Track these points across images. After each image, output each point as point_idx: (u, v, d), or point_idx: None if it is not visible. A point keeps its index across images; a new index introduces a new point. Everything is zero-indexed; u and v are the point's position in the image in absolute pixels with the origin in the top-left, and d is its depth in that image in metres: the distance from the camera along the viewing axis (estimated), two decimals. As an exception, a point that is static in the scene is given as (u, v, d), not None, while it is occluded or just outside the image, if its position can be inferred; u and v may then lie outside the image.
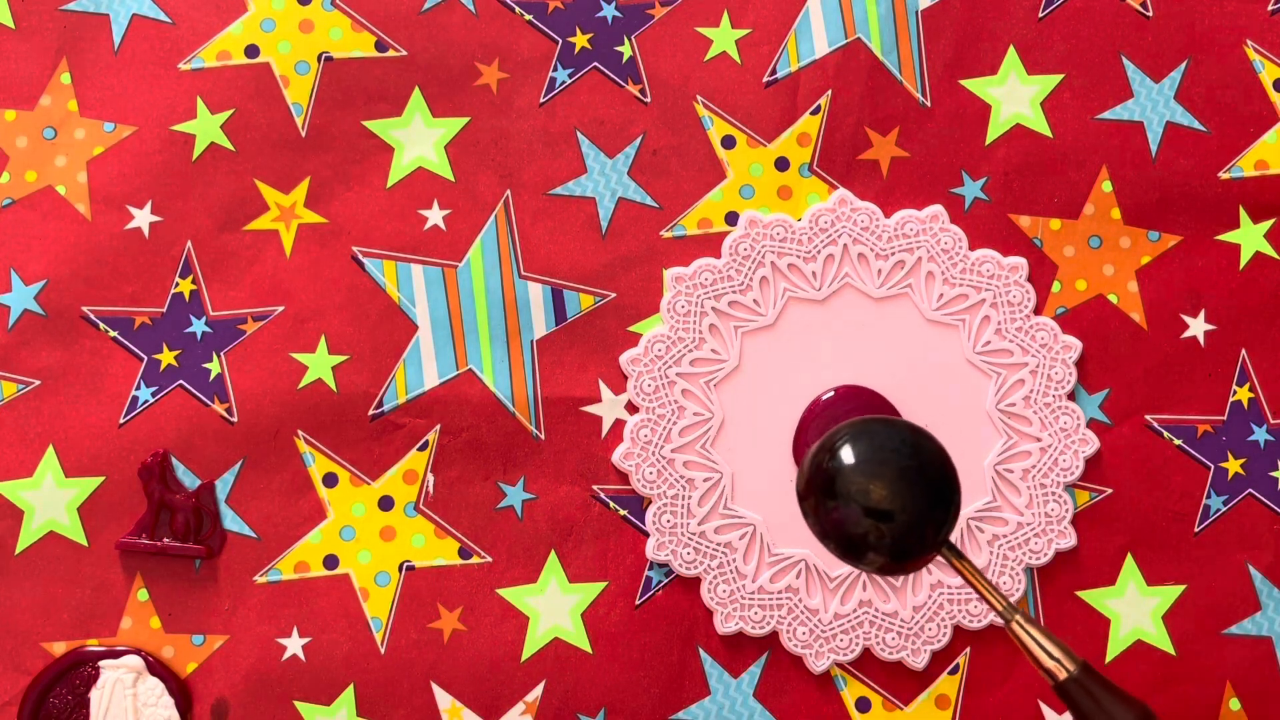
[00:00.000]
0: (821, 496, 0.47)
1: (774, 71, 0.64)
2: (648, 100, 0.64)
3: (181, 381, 0.62)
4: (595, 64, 0.64)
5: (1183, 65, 0.64)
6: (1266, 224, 0.64)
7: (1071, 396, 0.62)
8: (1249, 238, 0.64)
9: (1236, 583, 0.63)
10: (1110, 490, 0.63)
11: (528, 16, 0.64)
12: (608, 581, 0.62)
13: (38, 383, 0.62)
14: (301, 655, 0.61)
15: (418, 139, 0.63)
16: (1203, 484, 0.63)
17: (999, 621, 0.61)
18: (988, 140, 0.64)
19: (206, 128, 0.63)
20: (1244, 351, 0.63)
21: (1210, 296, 0.63)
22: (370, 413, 0.62)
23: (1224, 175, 0.64)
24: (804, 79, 0.64)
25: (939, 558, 0.51)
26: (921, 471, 0.47)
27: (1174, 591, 0.62)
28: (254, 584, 0.61)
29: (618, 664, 0.62)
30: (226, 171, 0.63)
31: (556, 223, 0.63)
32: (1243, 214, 0.64)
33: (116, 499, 0.61)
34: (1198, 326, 0.63)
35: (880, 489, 0.46)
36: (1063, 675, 0.46)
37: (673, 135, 0.63)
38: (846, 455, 0.47)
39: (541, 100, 0.63)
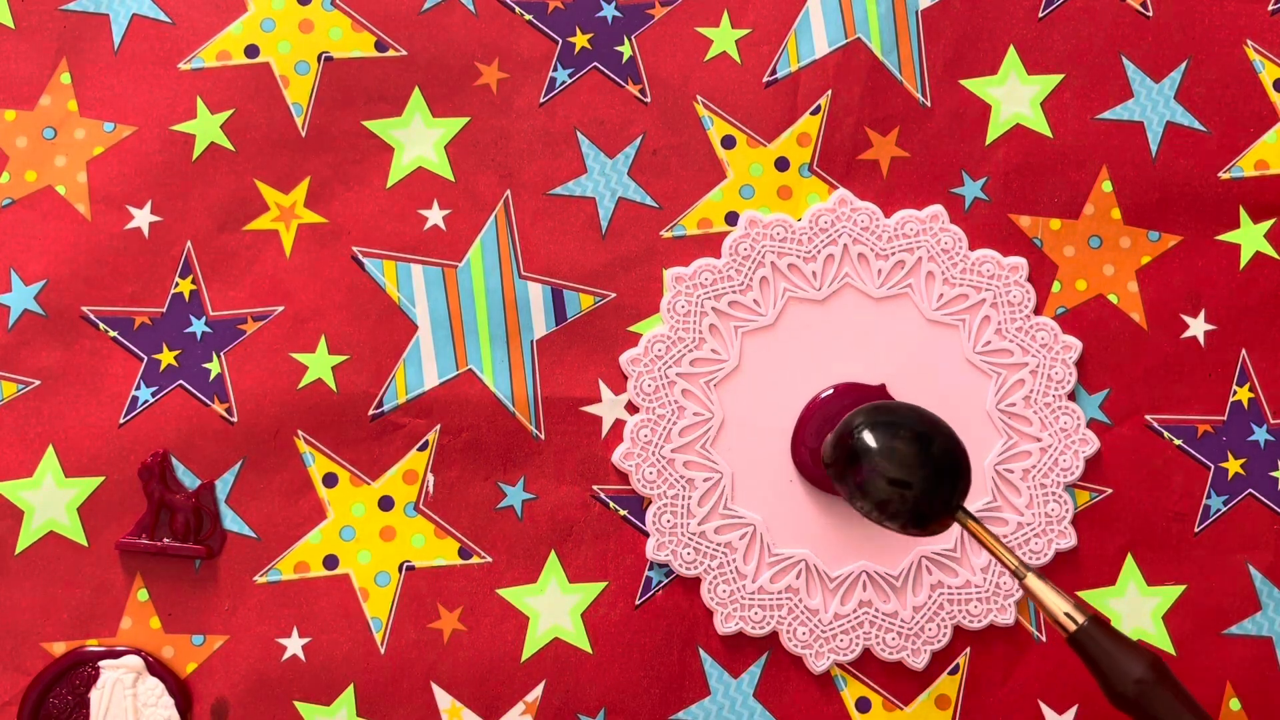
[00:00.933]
0: (848, 470, 0.53)
1: (774, 71, 0.64)
2: (648, 100, 0.64)
3: (181, 381, 0.62)
4: (595, 64, 0.64)
5: (1183, 65, 0.64)
6: (1266, 224, 0.64)
7: (1071, 396, 0.62)
8: (1249, 238, 0.64)
9: (1236, 583, 0.63)
10: (1110, 490, 0.63)
11: (528, 16, 0.64)
12: (608, 581, 0.62)
13: (38, 383, 0.62)
14: (301, 655, 0.61)
15: (418, 139, 0.63)
16: (1203, 484, 0.63)
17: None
18: (988, 140, 0.64)
19: (206, 128, 0.63)
20: (1244, 351, 0.63)
21: (1210, 296, 0.63)
22: (370, 413, 0.62)
23: (1224, 175, 0.64)
24: (804, 79, 0.64)
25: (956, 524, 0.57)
26: (934, 445, 0.53)
27: (1174, 591, 0.62)
28: (254, 584, 0.61)
29: (618, 664, 0.62)
30: (226, 171, 0.63)
31: (556, 223, 0.63)
32: (1243, 214, 0.64)
33: (116, 499, 0.61)
34: (1198, 326, 0.63)
35: (898, 464, 0.52)
36: (1073, 627, 0.49)
37: (673, 135, 0.63)
38: (868, 437, 0.53)
39: (541, 100, 0.63)
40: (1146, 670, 0.48)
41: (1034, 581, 0.51)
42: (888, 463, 0.52)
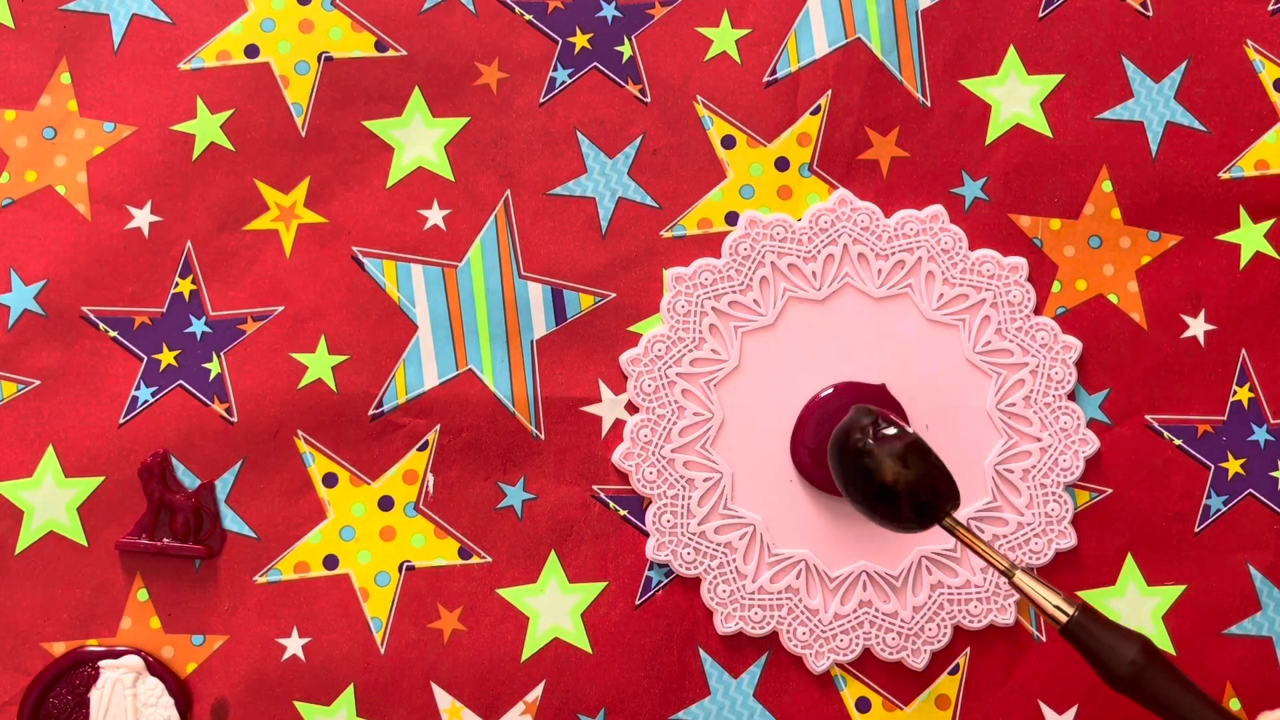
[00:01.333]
0: (844, 467, 0.55)
1: (774, 71, 0.64)
2: (648, 100, 0.64)
3: (181, 381, 0.62)
4: (595, 64, 0.64)
5: (1183, 65, 0.64)
6: (1266, 224, 0.64)
7: (1071, 396, 0.62)
8: (1249, 238, 0.64)
9: (1236, 583, 0.63)
10: (1110, 490, 0.63)
11: (528, 16, 0.64)
12: (608, 581, 0.62)
13: (38, 383, 0.62)
14: (301, 655, 0.61)
15: (418, 139, 0.63)
16: (1203, 484, 0.63)
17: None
18: (988, 140, 0.64)
19: (206, 128, 0.63)
20: (1244, 351, 0.63)
21: (1210, 296, 0.63)
22: (370, 413, 0.62)
23: (1224, 175, 0.64)
24: (804, 79, 0.64)
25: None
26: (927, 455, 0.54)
27: (1174, 591, 0.62)
28: (254, 584, 0.61)
29: (618, 664, 0.62)
30: (226, 171, 0.63)
31: (556, 223, 0.63)
32: (1243, 214, 0.64)
33: (116, 499, 0.61)
34: (1198, 326, 0.63)
35: (890, 469, 0.54)
36: (1065, 619, 0.51)
37: (673, 135, 0.63)
38: (869, 440, 0.54)
39: (541, 100, 0.63)
40: (1139, 652, 0.50)
41: (1023, 577, 0.52)
42: (880, 467, 0.54)
